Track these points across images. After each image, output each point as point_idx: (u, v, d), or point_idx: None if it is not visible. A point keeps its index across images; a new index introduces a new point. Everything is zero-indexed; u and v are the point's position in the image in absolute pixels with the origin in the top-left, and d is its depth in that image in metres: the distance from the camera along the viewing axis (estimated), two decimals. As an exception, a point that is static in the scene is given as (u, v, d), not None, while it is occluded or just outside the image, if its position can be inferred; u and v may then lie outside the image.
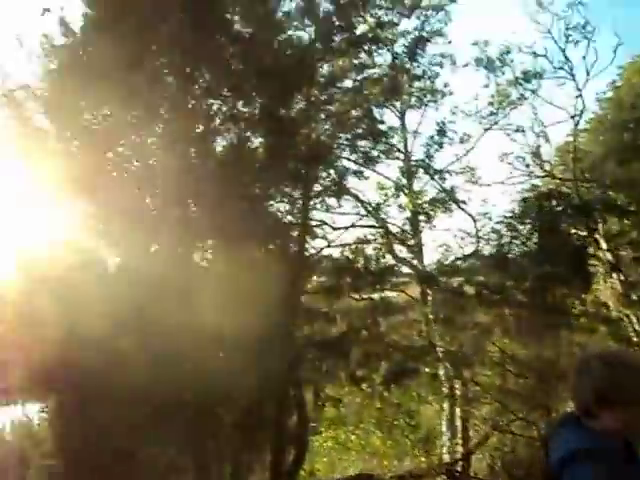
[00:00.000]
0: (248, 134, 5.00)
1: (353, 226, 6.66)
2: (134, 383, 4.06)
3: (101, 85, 4.30)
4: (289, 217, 5.20)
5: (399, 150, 7.47)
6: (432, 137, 6.94)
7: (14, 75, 4.19)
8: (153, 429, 4.21)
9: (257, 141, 4.99)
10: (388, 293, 6.33)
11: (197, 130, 5.00)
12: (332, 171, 6.30)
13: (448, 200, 6.94)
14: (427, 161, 7.09)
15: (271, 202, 4.99)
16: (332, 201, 6.28)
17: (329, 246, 5.80)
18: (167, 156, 4.81)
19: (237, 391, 4.57)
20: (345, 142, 5.97)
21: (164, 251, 4.87)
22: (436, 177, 7.08)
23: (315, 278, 5.64)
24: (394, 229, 6.87)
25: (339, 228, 6.38)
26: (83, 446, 3.99)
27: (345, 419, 6.03)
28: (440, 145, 7.01)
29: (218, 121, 4.93)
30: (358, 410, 6.06)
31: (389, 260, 6.46)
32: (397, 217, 6.98)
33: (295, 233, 5.25)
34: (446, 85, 7.28)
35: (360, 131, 6.18)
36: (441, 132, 6.97)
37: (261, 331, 4.52)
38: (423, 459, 5.94)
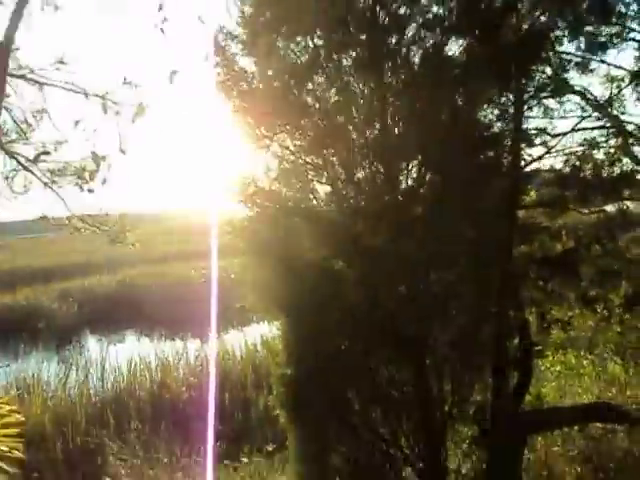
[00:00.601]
0: (445, 38, 4.57)
1: (574, 130, 5.71)
2: (350, 304, 4.25)
3: (292, 17, 4.33)
4: (499, 124, 4.68)
5: (632, 29, 6.09)
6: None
7: (217, 23, 4.48)
8: (370, 344, 4.39)
9: (457, 44, 4.54)
10: (628, 203, 5.38)
11: (390, 44, 4.74)
12: (548, 67, 5.45)
13: None
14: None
15: (478, 110, 4.53)
16: (550, 102, 5.47)
17: (549, 152, 5.10)
18: (363, 77, 4.69)
19: (452, 311, 4.47)
20: (564, 30, 5.04)
21: (368, 176, 4.87)
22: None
23: (534, 190, 5.05)
24: (631, 127, 5.73)
25: (558, 135, 5.54)
26: (308, 356, 4.36)
27: (576, 343, 5.48)
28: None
29: (411, 31, 4.59)
30: (591, 334, 5.45)
31: (626, 164, 5.45)
32: (635, 112, 5.79)
33: (508, 142, 4.73)
34: None
35: (583, 14, 5.14)
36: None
37: (475, 248, 4.28)
38: (678, 392, 5.12)
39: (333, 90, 4.91)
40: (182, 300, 19.33)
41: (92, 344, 17.16)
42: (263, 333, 12.60)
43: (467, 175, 4.41)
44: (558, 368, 5.74)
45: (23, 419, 4.65)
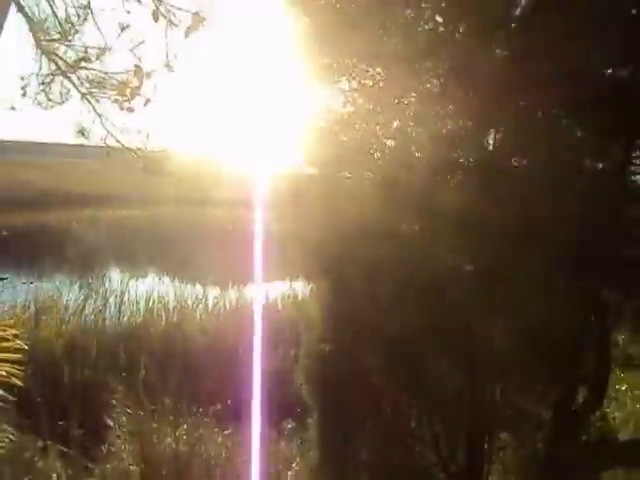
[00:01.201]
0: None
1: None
2: (411, 279, 3.61)
3: None
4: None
5: None
6: None
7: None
8: (424, 330, 3.76)
9: None
10: None
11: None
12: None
13: None
14: None
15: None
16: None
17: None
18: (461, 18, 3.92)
19: (527, 305, 3.78)
20: None
21: (448, 134, 4.15)
22: None
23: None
24: None
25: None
26: (348, 334, 3.80)
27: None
28: None
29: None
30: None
31: None
32: None
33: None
34: None
35: None
36: None
37: (563, 237, 3.54)
38: None
39: (420, 29, 4.16)
40: (210, 246, 19.02)
41: (115, 276, 17.03)
42: (283, 291, 12.20)
43: (574, 150, 3.65)
44: (623, 387, 5.01)
45: (25, 347, 4.21)
